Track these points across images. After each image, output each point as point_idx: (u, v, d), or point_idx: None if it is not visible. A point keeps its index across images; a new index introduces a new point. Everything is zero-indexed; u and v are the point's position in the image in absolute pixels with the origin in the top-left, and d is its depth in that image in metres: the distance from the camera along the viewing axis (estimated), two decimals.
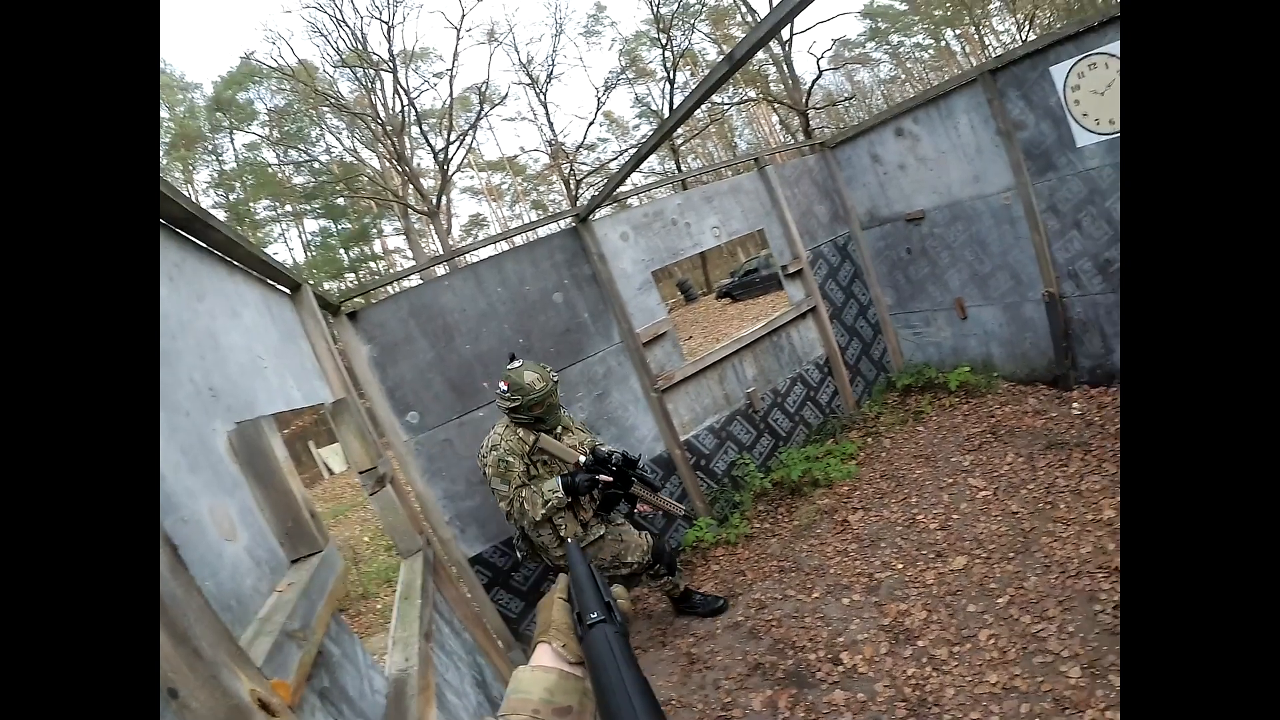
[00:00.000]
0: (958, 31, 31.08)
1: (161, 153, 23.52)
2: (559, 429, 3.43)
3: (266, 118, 22.26)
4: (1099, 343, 4.44)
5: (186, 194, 1.54)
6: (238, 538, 1.25)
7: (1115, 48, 3.65)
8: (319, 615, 1.32)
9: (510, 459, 3.24)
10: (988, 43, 29.91)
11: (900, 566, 3.55)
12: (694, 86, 2.54)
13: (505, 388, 3.27)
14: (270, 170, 23.65)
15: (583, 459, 3.28)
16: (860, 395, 5.73)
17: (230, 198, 24.61)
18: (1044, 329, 4.71)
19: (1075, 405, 4.41)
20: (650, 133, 3.19)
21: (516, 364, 3.33)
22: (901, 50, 33.02)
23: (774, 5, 1.99)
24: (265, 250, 2.27)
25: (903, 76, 35.18)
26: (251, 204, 24.91)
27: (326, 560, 1.54)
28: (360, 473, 2.82)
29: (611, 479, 3.27)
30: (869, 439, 5.19)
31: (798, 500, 4.64)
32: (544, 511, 3.21)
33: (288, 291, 2.78)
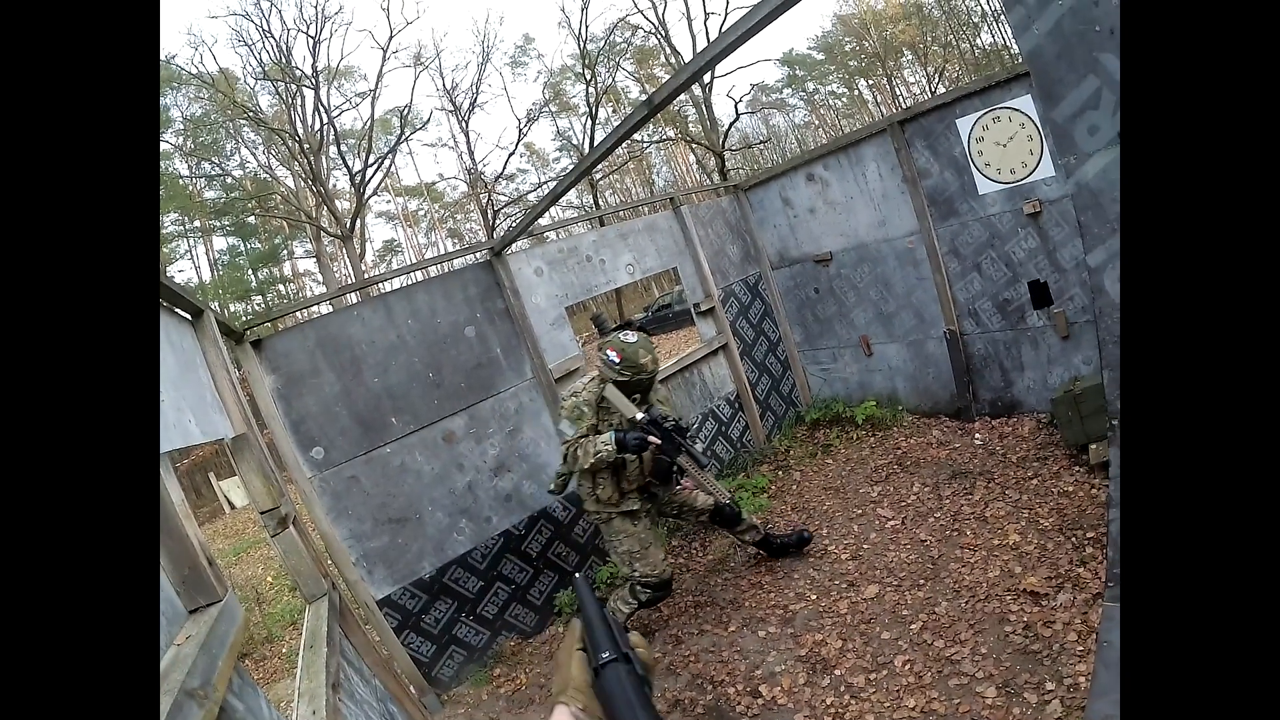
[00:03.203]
0: (870, 82, 32.67)
1: None
2: (642, 398, 3.51)
3: (181, 126, 21.22)
4: (998, 376, 4.68)
5: None
6: None
7: (1019, 102, 3.93)
8: (220, 670, 1.24)
9: (585, 408, 3.39)
10: (899, 93, 31.49)
11: (814, 597, 3.60)
12: (615, 124, 2.59)
13: (618, 360, 3.34)
14: (181, 182, 22.49)
15: (639, 415, 3.31)
16: (770, 430, 5.84)
17: None
18: (946, 364, 4.94)
19: (977, 436, 4.62)
20: (570, 166, 3.22)
21: (633, 339, 3.40)
22: (816, 97, 34.47)
23: (697, 51, 2.05)
24: (170, 266, 2.15)
25: (816, 122, 36.62)
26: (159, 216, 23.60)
27: (226, 610, 1.45)
28: (262, 513, 2.68)
29: (660, 442, 3.28)
30: (780, 472, 5.27)
31: (711, 535, 4.66)
32: (593, 461, 3.27)
33: (189, 317, 2.64)
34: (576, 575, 0.96)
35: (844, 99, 34.65)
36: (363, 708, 2.54)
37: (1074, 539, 3.16)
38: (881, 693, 2.79)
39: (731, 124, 22.40)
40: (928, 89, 28.29)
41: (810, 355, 6.05)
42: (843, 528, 4.17)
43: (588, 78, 22.49)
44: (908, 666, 2.86)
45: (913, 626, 3.08)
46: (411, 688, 3.70)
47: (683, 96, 22.10)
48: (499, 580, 4.23)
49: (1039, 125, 3.89)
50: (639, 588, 3.57)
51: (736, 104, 22.82)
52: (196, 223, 25.02)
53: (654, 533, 3.63)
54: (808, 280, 5.71)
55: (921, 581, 3.37)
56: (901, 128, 4.57)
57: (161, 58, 18.75)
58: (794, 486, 4.99)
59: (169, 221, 23.57)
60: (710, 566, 4.29)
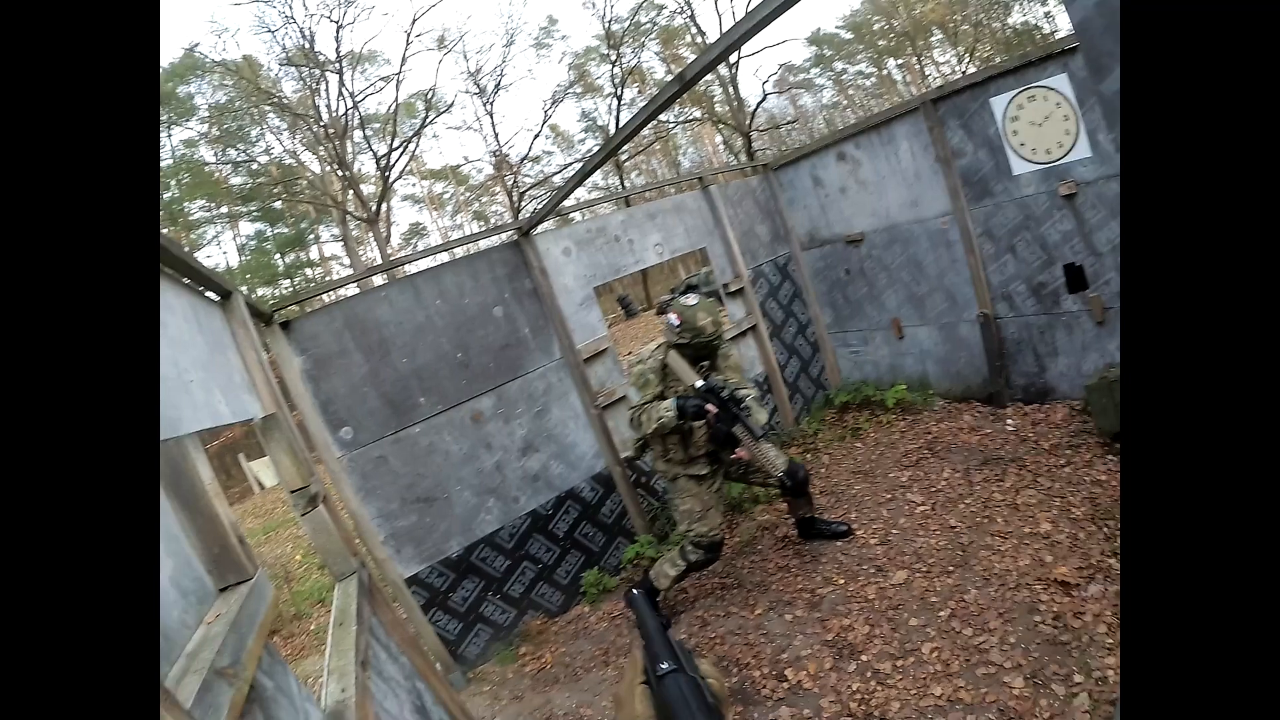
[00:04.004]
0: (899, 61, 32.14)
1: None
2: (709, 365, 3.56)
3: (207, 114, 21.41)
4: (1031, 361, 4.59)
5: None
6: (161, 566, 1.16)
7: (1054, 81, 3.83)
8: (250, 649, 1.23)
9: (650, 375, 3.51)
10: (928, 73, 30.97)
11: (842, 582, 3.57)
12: (643, 104, 2.55)
13: (678, 323, 3.41)
14: (207, 169, 22.73)
15: (698, 383, 3.36)
16: (799, 412, 5.80)
17: (164, 196, 23.56)
18: (979, 348, 4.85)
19: (1009, 422, 4.54)
20: (596, 147, 3.19)
21: (693, 301, 3.44)
22: (844, 77, 33.99)
23: (724, 30, 2.00)
24: (198, 253, 2.15)
25: (844, 103, 36.13)
26: (186, 203, 23.88)
27: (256, 588, 1.45)
28: (291, 492, 2.70)
29: (716, 410, 3.32)
30: (808, 455, 5.23)
31: (738, 517, 4.65)
32: (655, 428, 3.41)
33: (217, 299, 2.64)
34: (634, 591, 0.94)
35: (872, 79, 34.12)
36: (391, 685, 2.55)
37: (1106, 529, 3.10)
38: (908, 680, 2.76)
39: (759, 104, 22.13)
40: (958, 68, 27.76)
41: (840, 337, 5.98)
42: (871, 512, 4.13)
43: (613, 58, 22.35)
44: (935, 654, 2.83)
45: (941, 614, 3.04)
46: (438, 665, 3.74)
47: (710, 76, 21.89)
48: (526, 560, 4.26)
49: (1075, 105, 3.78)
50: (690, 547, 3.61)
51: (763, 84, 22.56)
52: (223, 209, 25.31)
53: (716, 496, 3.67)
54: (838, 261, 5.63)
55: (951, 568, 3.32)
56: (934, 106, 4.48)
57: (184, 46, 18.93)
58: (822, 470, 4.94)
59: (196, 208, 23.88)
60: (737, 549, 4.27)
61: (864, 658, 2.98)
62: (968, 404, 5.03)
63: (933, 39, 29.43)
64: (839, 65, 32.83)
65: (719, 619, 3.66)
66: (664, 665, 0.75)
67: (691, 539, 3.60)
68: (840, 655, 3.06)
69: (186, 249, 1.98)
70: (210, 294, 2.55)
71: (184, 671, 1.05)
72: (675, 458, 3.62)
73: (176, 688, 0.98)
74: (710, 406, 3.32)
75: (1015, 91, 4.03)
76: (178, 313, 1.92)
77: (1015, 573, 3.08)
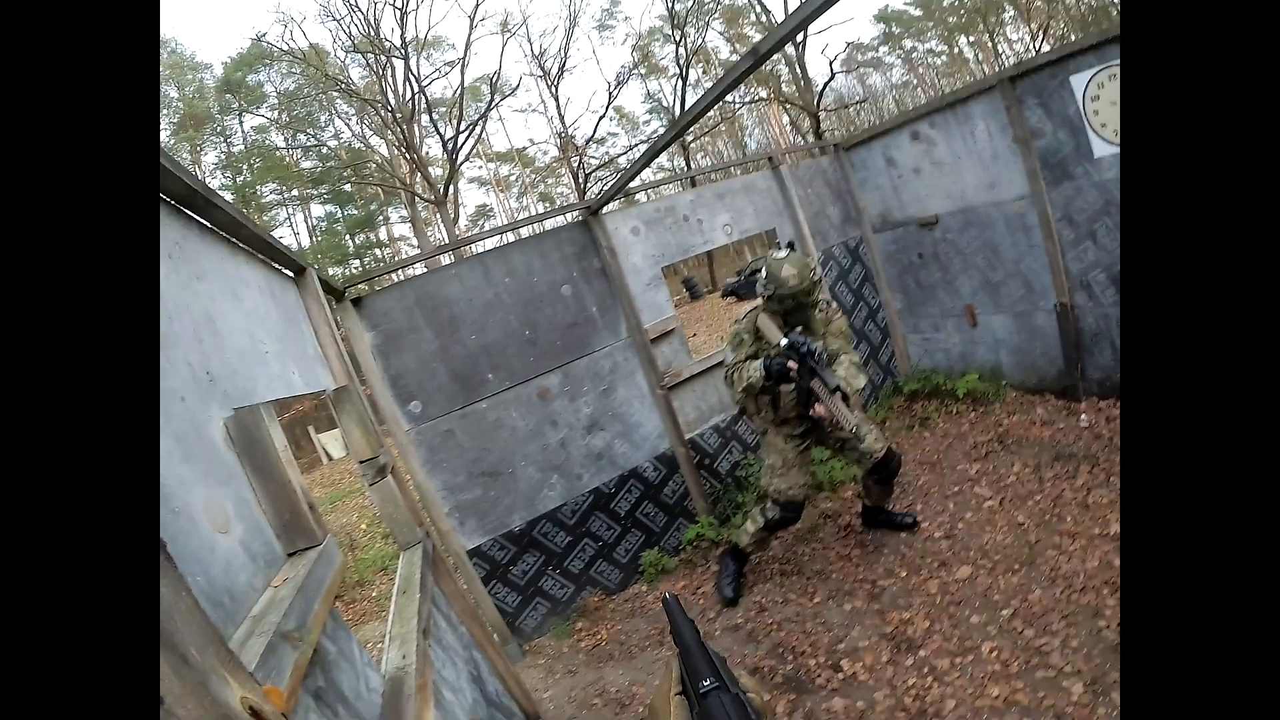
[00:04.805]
0: (971, 39, 31.00)
1: (170, 133, 23.49)
2: (803, 329, 3.45)
3: (276, 101, 22.16)
4: (1109, 355, 4.37)
5: (194, 175, 1.47)
6: (231, 530, 1.19)
7: None
8: (316, 613, 1.26)
9: (744, 335, 3.54)
10: (1001, 51, 29.83)
11: (904, 574, 3.50)
12: (709, 84, 2.50)
13: (765, 275, 3.41)
14: (278, 154, 23.56)
15: (782, 341, 3.33)
16: (867, 400, 5.67)
17: (237, 180, 24.51)
18: (1055, 339, 4.65)
19: (1084, 417, 4.35)
20: (661, 128, 3.16)
21: (782, 254, 3.43)
22: (914, 55, 32.94)
23: (787, 9, 1.94)
24: (271, 234, 2.21)
25: (915, 82, 35.05)
26: (258, 187, 24.80)
27: (325, 554, 1.49)
28: (360, 462, 2.77)
29: (795, 366, 3.28)
30: None
31: None
32: (745, 387, 3.45)
33: (291, 275, 2.72)
34: (667, 596, 0.92)
35: (943, 57, 32.99)
36: (449, 654, 2.60)
37: None
38: (965, 678, 2.70)
39: (826, 83, 21.59)
40: (1031, 46, 26.64)
41: (911, 323, 5.81)
42: (938, 505, 4.03)
43: (677, 39, 22.13)
44: (995, 653, 2.76)
45: (1003, 612, 2.96)
46: (495, 636, 3.82)
47: (776, 55, 21.47)
48: (586, 536, 4.31)
49: None
50: (770, 504, 3.62)
51: (831, 63, 21.97)
52: (295, 191, 26.16)
53: (802, 457, 3.64)
54: (911, 245, 5.46)
55: (1016, 566, 3.22)
56: (1012, 84, 4.27)
57: (251, 36, 19.48)
58: None
59: (268, 191, 24.78)
60: (799, 535, 4.23)
61: (922, 653, 2.93)
62: (1041, 396, 4.84)
63: (1005, 15, 28.25)
64: (908, 43, 31.81)
65: (777, 605, 3.64)
66: (706, 682, 0.72)
67: (771, 495, 3.60)
68: (898, 649, 3.01)
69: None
70: (285, 270, 2.63)
71: (249, 633, 1.07)
72: (766, 415, 3.61)
73: (242, 649, 1.00)
74: (791, 363, 3.24)
75: (1096, 70, 3.80)
76: (254, 286, 1.98)
77: (1082, 575, 2.97)
